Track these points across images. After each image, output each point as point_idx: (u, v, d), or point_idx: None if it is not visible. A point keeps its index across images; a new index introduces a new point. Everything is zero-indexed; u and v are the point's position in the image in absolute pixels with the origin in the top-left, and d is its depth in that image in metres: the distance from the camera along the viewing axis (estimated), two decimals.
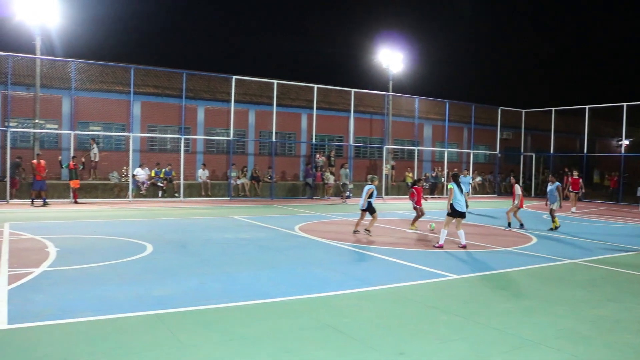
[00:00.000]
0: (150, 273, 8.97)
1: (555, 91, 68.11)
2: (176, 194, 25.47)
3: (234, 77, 26.54)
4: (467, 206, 13.13)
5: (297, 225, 15.89)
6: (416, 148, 33.39)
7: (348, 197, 28.02)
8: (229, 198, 26.25)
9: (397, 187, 32.86)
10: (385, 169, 31.67)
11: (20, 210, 18.96)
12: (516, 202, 16.56)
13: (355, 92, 30.09)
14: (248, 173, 28.13)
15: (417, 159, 33.20)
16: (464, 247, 12.55)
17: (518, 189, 16.68)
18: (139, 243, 11.98)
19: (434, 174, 33.80)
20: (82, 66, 25.70)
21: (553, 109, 34.26)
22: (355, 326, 6.43)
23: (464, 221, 13.03)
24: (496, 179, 36.96)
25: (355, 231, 14.53)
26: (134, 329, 6.12)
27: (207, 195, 26.35)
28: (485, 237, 14.68)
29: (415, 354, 5.58)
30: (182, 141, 25.68)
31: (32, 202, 20.86)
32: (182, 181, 25.32)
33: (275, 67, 62.94)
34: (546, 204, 17.26)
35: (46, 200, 20.97)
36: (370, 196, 14.41)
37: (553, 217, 16.89)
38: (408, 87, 36.07)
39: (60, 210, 19.32)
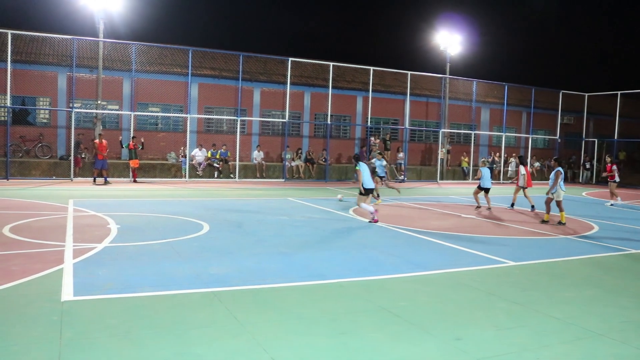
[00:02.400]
0: (207, 251, 9.12)
1: (620, 74, 65.33)
2: (231, 175, 25.83)
3: (290, 59, 26.57)
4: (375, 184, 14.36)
5: (352, 208, 15.86)
6: (473, 132, 32.78)
7: (403, 181, 27.85)
8: (283, 180, 26.44)
9: (452, 172, 32.40)
10: (441, 153, 31.23)
11: (83, 188, 19.61)
12: (521, 182, 17.15)
13: (411, 74, 29.69)
14: (302, 155, 28.24)
15: (474, 143, 32.57)
16: (375, 221, 13.19)
17: (523, 169, 17.25)
18: (195, 222, 12.20)
19: (490, 159, 33.11)
20: (142, 48, 26.23)
21: (619, 92, 32.84)
22: (411, 310, 6.37)
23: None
24: None
25: (478, 207, 16.75)
26: (192, 305, 6.24)
27: (261, 177, 26.61)
28: (544, 224, 14.28)
29: (473, 340, 5.49)
30: (238, 122, 25.99)
31: (94, 181, 21.54)
32: (237, 162, 25.64)
33: (330, 49, 62.57)
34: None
35: (107, 178, 21.60)
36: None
37: (548, 208, 14.64)
38: (465, 70, 35.46)
39: (120, 188, 19.88)
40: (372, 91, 28.69)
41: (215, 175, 25.63)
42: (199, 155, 25.48)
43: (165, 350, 4.93)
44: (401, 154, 29.57)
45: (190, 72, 24.98)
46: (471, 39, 34.06)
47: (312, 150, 29.06)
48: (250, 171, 26.79)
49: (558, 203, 14.36)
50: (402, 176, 28.75)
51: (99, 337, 5.12)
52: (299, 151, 28.37)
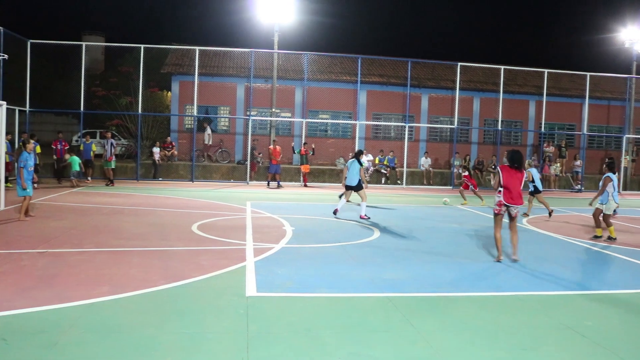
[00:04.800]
0: (379, 256, 9.17)
1: None
2: (398, 181, 25.85)
3: (459, 64, 26.03)
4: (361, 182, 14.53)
5: (525, 219, 15.09)
6: None
7: (579, 190, 26.07)
8: (451, 187, 25.91)
9: (638, 182, 29.58)
10: (625, 161, 28.66)
11: (258, 191, 20.76)
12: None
13: (590, 75, 27.62)
14: (471, 162, 27.49)
15: None
16: (366, 217, 13.79)
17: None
18: (366, 227, 12.36)
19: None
20: (313, 58, 27.25)
21: None
22: (600, 331, 5.84)
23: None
24: None
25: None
26: (369, 308, 6.29)
27: (429, 184, 26.32)
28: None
29: None
30: (406, 129, 25.96)
31: (268, 184, 22.72)
32: (404, 168, 25.62)
33: (501, 52, 60.45)
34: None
35: (280, 182, 22.67)
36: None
37: (597, 221, 12.27)
38: None
39: (292, 192, 20.75)
40: (547, 95, 27.17)
41: (382, 181, 25.80)
42: (365, 160, 25.82)
43: (343, 350, 5.00)
44: (578, 162, 27.60)
45: (359, 79, 25.47)
46: None
47: (482, 156, 28.17)
48: (417, 178, 26.61)
49: (605, 217, 11.94)
50: (579, 185, 26.83)
51: (281, 333, 5.34)
52: (467, 158, 27.64)
